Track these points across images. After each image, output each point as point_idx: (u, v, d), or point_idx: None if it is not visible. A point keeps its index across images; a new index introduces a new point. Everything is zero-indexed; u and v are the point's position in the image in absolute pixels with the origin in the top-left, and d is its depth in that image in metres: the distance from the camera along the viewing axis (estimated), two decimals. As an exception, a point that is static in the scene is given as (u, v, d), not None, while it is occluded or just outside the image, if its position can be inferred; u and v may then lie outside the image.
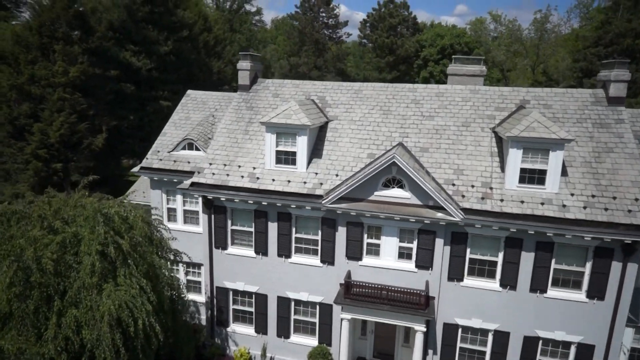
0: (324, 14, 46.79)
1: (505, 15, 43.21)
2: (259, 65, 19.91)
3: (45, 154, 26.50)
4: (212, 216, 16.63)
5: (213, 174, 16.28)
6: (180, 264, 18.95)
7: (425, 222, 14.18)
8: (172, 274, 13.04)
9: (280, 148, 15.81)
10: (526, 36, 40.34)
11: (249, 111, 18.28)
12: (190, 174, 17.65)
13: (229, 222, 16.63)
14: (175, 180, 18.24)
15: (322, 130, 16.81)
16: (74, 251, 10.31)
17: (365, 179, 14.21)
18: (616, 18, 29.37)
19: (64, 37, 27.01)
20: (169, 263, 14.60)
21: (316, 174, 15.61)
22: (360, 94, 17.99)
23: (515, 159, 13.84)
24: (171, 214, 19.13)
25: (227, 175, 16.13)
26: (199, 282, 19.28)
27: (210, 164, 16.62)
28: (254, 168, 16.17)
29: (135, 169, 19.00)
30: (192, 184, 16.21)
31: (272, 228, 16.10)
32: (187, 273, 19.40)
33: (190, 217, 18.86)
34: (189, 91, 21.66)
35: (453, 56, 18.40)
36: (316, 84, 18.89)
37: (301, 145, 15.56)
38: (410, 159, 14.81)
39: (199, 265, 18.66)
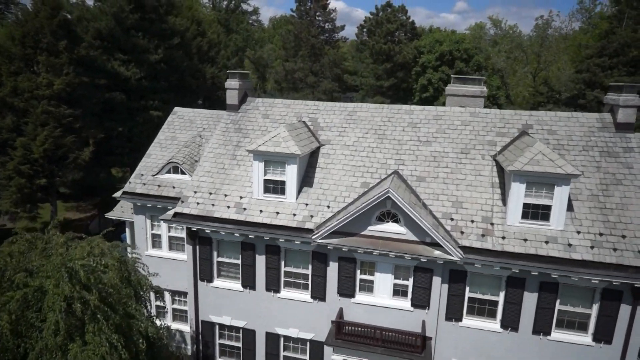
0: (320, 18, 45.80)
1: (506, 21, 42.19)
2: (249, 84, 18.98)
3: (29, 170, 25.54)
4: (197, 247, 15.74)
5: (197, 203, 15.37)
6: (167, 292, 18.31)
7: (422, 260, 13.31)
8: (151, 320, 12.09)
9: (269, 177, 14.90)
10: (527, 41, 39.40)
11: (237, 134, 17.36)
12: (175, 200, 16.76)
13: (215, 253, 15.74)
14: (159, 207, 17.35)
15: (313, 155, 15.91)
16: (37, 307, 9.43)
17: (358, 213, 13.32)
18: (621, 27, 28.48)
19: (48, 48, 26.01)
20: (151, 297, 13.80)
21: (306, 204, 14.71)
22: (354, 116, 17.08)
23: (518, 193, 12.96)
24: (156, 239, 18.26)
25: (213, 205, 15.22)
26: (186, 311, 18.42)
27: (195, 192, 15.71)
28: (241, 197, 15.26)
29: (118, 194, 18.10)
30: (175, 215, 15.31)
31: (260, 261, 15.21)
32: (173, 301, 18.53)
33: (175, 243, 17.97)
34: (176, 108, 20.73)
35: (452, 75, 17.50)
36: (308, 104, 17.98)
37: (290, 175, 14.66)
38: (406, 190, 13.93)
39: (185, 294, 17.78)
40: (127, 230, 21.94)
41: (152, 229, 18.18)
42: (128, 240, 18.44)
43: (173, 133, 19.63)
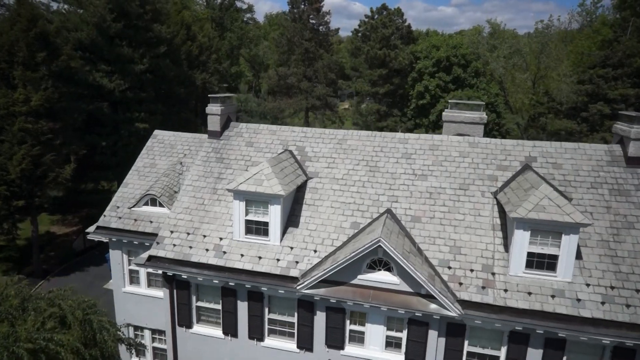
0: (313, 21, 44.41)
1: (505, 25, 40.87)
2: (232, 107, 17.74)
3: (5, 191, 24.29)
4: (175, 291, 14.58)
5: (174, 245, 14.19)
6: (146, 330, 17.21)
7: (417, 314, 12.19)
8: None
9: (251, 217, 13.72)
10: (526, 45, 38.11)
11: (219, 164, 16.15)
12: (153, 236, 15.59)
13: (194, 297, 14.59)
14: (136, 243, 16.18)
15: (300, 190, 14.73)
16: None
17: (346, 263, 12.17)
18: (625, 36, 27.25)
19: (24, 62, 24.65)
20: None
21: (291, 248, 13.55)
22: (344, 145, 15.89)
23: (522, 241, 11.82)
24: (134, 275, 17.10)
25: (190, 247, 14.05)
26: (166, 350, 17.31)
27: (172, 231, 14.53)
28: (221, 239, 14.09)
29: (91, 229, 16.87)
30: (150, 258, 14.12)
31: (242, 307, 14.06)
32: (153, 339, 17.42)
33: (154, 279, 16.80)
34: (156, 132, 19.49)
35: (449, 100, 16.30)
36: (295, 131, 16.76)
37: (274, 215, 13.48)
38: (399, 235, 12.77)
39: (164, 332, 16.65)
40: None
41: (129, 264, 17.02)
42: (112, 261, 17.27)
43: (152, 159, 18.40)
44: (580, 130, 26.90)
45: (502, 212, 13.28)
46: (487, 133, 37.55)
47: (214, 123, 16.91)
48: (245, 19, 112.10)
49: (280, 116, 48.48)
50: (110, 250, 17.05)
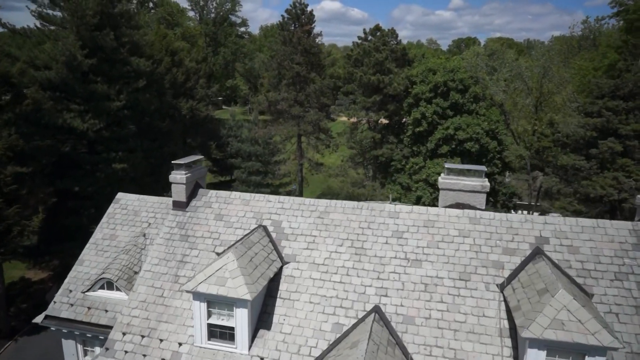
0: (305, 45, 42.52)
1: (505, 46, 38.87)
2: (200, 172, 15.69)
3: (-36, 251, 22.29)
4: (129, 402, 12.47)
5: (125, 352, 12.10)
6: None
7: None
8: None
9: (214, 321, 11.64)
10: (527, 67, 36.15)
11: (183, 243, 14.09)
12: (108, 328, 13.53)
13: (151, 410, 12.47)
14: (89, 335, 14.10)
15: (274, 279, 12.66)
16: None
17: (324, 388, 10.07)
18: (636, 64, 25.30)
19: (-17, 108, 22.75)
20: None
21: (261, 359, 11.44)
22: (327, 219, 13.82)
23: (537, 362, 9.72)
24: (91, 367, 15.00)
25: (144, 356, 11.95)
26: None
27: (124, 333, 12.44)
28: (180, 344, 11.99)
29: (39, 319, 14.77)
30: (97, 369, 12.04)
31: None
32: None
33: (114, 372, 14.67)
34: (119, 195, 17.43)
35: (445, 164, 14.24)
36: (271, 200, 14.70)
37: (241, 320, 11.40)
38: (388, 347, 10.66)
39: None
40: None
41: (85, 355, 14.93)
42: (65, 351, 15.19)
43: (113, 229, 16.35)
44: (590, 168, 24.88)
45: (510, 312, 11.19)
46: (489, 162, 35.51)
47: (178, 193, 14.86)
48: (239, 33, 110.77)
49: (272, 142, 46.53)
50: (63, 340, 14.95)
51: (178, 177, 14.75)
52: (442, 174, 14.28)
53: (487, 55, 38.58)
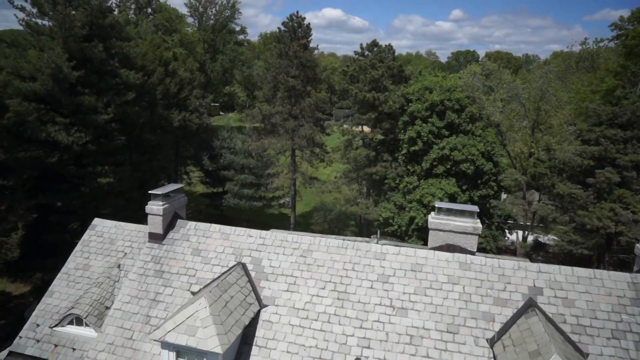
0: (300, 59, 41.93)
1: (502, 65, 38.45)
2: (179, 201, 14.95)
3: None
4: None
5: (88, 402, 11.31)
6: None
7: None
8: None
9: (183, 371, 10.86)
10: (524, 89, 35.68)
11: (157, 279, 13.33)
12: (74, 369, 12.70)
13: None
14: (54, 375, 13.26)
15: (251, 324, 11.90)
16: None
17: None
18: (634, 92, 24.87)
19: (-37, 122, 21.98)
20: None
21: (233, 415, 10.67)
22: (309, 258, 13.10)
23: None
24: (57, 406, 14.12)
25: (107, 407, 11.16)
26: None
27: (88, 380, 11.65)
28: (147, 395, 11.21)
29: (2, 356, 13.93)
30: (56, 419, 11.22)
31: None
32: None
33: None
34: (96, 221, 16.63)
35: (436, 204, 13.55)
36: (252, 235, 13.98)
37: (211, 373, 10.62)
38: (368, 409, 9.92)
39: None
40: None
41: (51, 394, 14.06)
42: None
43: (87, 259, 15.54)
44: (587, 197, 24.26)
45: (501, 371, 10.47)
46: (484, 183, 34.89)
47: (155, 224, 14.12)
48: (238, 40, 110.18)
49: (265, 155, 45.89)
50: (28, 378, 14.09)
51: (155, 208, 14.02)
52: (432, 213, 13.60)
53: (484, 75, 38.06)
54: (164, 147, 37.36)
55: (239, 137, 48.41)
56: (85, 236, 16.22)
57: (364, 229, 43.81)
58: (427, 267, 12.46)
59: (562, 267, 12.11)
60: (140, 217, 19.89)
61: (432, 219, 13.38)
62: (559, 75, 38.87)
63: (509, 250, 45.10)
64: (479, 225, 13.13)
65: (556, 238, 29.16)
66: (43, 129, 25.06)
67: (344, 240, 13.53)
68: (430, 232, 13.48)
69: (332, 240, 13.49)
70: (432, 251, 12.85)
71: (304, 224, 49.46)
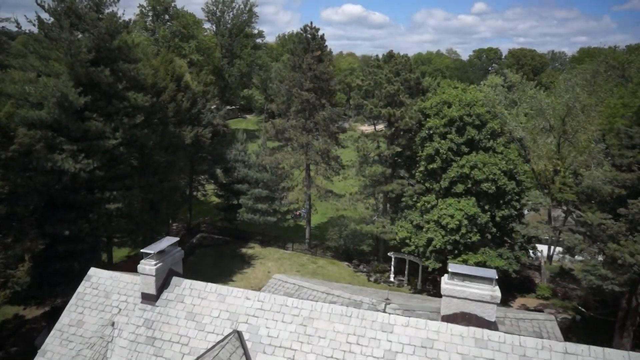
0: (314, 71, 40.87)
1: (524, 77, 36.52)
2: (176, 256, 14.09)
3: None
4: None
5: None
6: None
7: None
8: None
9: None
10: (549, 104, 33.77)
11: (148, 347, 12.49)
12: None
13: None
14: None
15: (245, 405, 10.95)
16: None
17: None
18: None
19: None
20: None
21: None
22: (310, 327, 12.06)
23: None
24: None
25: None
26: None
27: None
28: None
29: None
30: None
31: None
32: None
33: None
34: (92, 271, 15.94)
35: (449, 267, 12.33)
36: (250, 298, 13.01)
37: None
38: None
39: None
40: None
41: None
42: None
43: (81, 313, 14.87)
44: (618, 229, 22.56)
45: None
46: (506, 204, 33.22)
47: (147, 285, 13.30)
48: (255, 43, 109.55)
49: (279, 169, 45.02)
50: None
51: (147, 268, 13.18)
52: (445, 278, 12.39)
53: (507, 87, 36.28)
54: (175, 166, 36.81)
55: (253, 150, 47.75)
56: (80, 288, 15.55)
57: (380, 244, 42.59)
58: (439, 344, 11.27)
59: (593, 348, 10.76)
60: (152, 240, 19.39)
61: (446, 284, 12.16)
62: (586, 85, 36.71)
63: (533, 267, 43.27)
64: (498, 293, 11.84)
65: (583, 264, 27.46)
66: (50, 159, 24.64)
67: (347, 307, 12.42)
68: (443, 298, 12.27)
69: (335, 308, 12.40)
70: (445, 324, 11.64)
71: (319, 237, 48.49)
